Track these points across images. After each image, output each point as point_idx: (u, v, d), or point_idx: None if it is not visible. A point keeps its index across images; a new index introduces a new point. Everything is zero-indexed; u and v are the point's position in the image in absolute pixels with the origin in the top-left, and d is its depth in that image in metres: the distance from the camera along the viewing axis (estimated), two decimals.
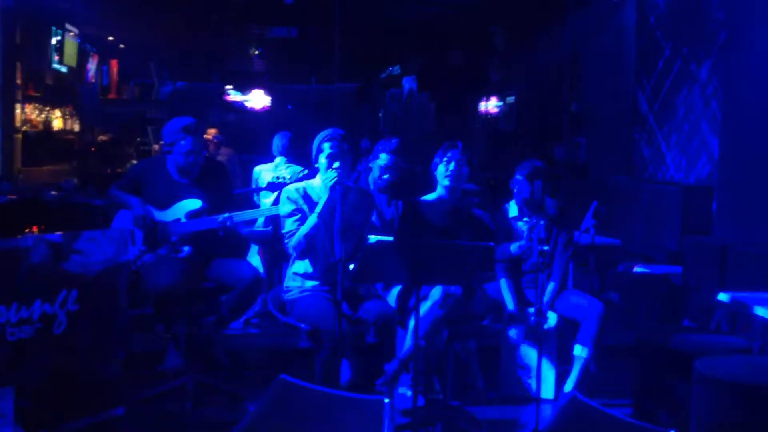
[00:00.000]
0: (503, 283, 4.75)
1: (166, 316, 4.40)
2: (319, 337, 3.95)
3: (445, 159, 4.34)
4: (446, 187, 4.36)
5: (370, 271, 3.75)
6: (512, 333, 4.73)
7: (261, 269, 6.61)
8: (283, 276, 4.56)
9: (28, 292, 3.48)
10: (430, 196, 4.46)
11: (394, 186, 4.88)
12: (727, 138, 6.24)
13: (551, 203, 4.84)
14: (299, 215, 4.17)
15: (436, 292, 4.12)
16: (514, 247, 4.67)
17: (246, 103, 14.26)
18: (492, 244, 4.01)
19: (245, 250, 5.89)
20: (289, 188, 4.26)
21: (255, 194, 6.44)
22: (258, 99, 14.71)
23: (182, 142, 4.45)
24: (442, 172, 4.34)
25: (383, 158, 4.81)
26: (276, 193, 5.27)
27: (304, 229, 4.12)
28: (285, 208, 4.22)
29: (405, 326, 4.20)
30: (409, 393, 4.17)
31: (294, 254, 4.22)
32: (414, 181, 4.62)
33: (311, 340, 4.04)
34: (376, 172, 4.84)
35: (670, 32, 7.76)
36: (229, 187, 4.80)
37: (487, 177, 8.89)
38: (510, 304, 4.71)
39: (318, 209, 4.10)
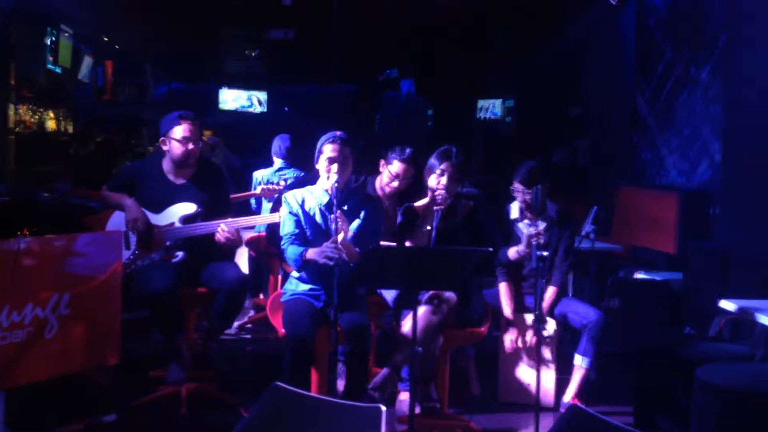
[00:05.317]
0: (502, 288, 4.70)
1: (162, 322, 4.30)
2: (287, 343, 3.85)
3: (437, 171, 4.28)
4: (437, 197, 4.28)
5: (369, 274, 3.70)
6: (507, 339, 4.69)
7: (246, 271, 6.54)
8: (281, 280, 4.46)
9: (20, 296, 3.41)
10: (422, 202, 4.40)
11: (401, 193, 4.79)
12: (729, 142, 6.19)
13: (552, 207, 4.78)
14: (296, 218, 4.11)
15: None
16: (512, 252, 4.62)
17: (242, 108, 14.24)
18: (491, 249, 3.95)
19: (233, 251, 5.81)
20: (288, 194, 4.18)
21: (252, 199, 6.34)
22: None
23: (178, 128, 4.38)
24: (434, 183, 4.29)
25: (395, 165, 4.69)
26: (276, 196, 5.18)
27: (291, 256, 4.04)
28: (284, 210, 4.15)
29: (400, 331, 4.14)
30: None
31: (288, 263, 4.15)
32: (418, 186, 4.54)
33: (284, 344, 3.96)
34: (385, 178, 4.73)
35: (670, 36, 7.73)
36: (225, 190, 4.70)
37: (486, 181, 8.85)
38: (506, 309, 4.66)
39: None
